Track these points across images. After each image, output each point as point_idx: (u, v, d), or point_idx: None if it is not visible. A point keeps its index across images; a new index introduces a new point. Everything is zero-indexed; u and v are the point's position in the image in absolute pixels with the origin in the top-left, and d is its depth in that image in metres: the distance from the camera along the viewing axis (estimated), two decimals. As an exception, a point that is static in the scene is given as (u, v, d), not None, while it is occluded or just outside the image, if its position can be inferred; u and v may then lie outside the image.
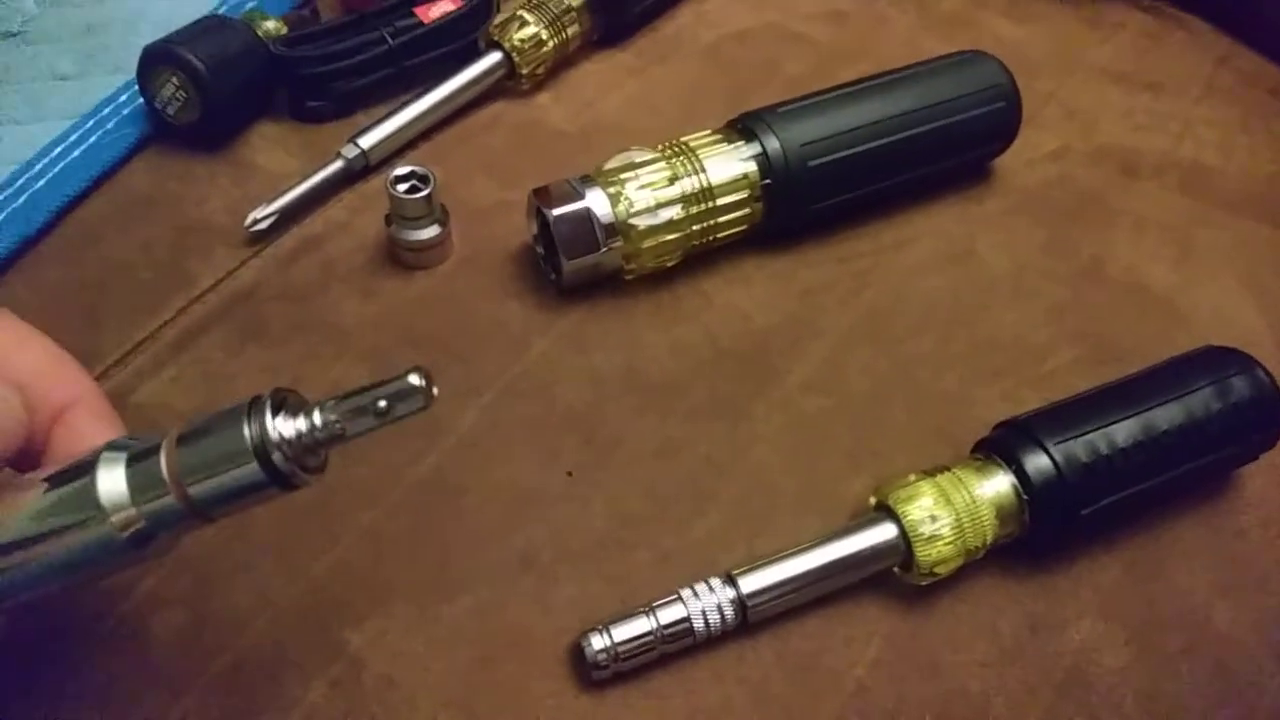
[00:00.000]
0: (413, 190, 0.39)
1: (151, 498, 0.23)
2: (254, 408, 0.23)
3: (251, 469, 0.23)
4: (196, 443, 0.24)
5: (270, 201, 0.41)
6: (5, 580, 0.24)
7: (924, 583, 0.33)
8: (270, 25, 0.46)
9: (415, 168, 0.39)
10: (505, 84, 0.47)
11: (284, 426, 0.23)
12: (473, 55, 0.46)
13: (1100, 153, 0.48)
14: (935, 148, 0.42)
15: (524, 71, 0.46)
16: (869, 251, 0.43)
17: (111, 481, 0.23)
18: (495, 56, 0.46)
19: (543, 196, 0.38)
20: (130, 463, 0.24)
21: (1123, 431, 0.34)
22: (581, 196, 0.38)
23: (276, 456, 0.23)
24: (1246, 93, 0.53)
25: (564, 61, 0.49)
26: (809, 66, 0.50)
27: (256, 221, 0.41)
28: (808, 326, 0.40)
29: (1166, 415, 0.34)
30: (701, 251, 0.41)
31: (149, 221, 0.42)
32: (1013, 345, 0.41)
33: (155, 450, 0.24)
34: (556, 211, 0.38)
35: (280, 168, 0.44)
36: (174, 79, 0.42)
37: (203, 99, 0.42)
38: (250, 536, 0.34)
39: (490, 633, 0.33)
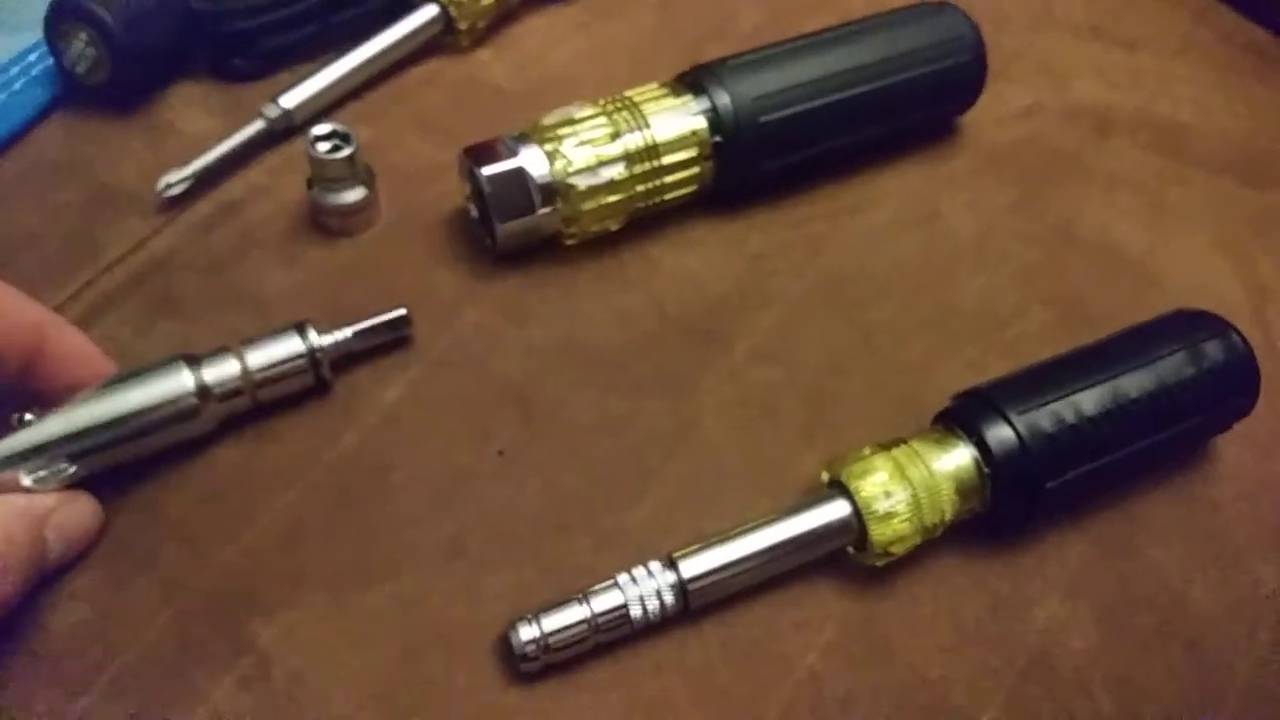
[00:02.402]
0: (334, 150, 0.36)
1: (228, 392, 0.32)
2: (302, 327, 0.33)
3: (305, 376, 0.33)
4: (261, 349, 0.33)
5: (185, 165, 0.38)
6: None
7: (879, 563, 0.31)
8: (190, -23, 0.43)
9: (336, 126, 0.36)
10: (443, 40, 0.44)
11: (323, 339, 0.33)
12: (407, 9, 0.43)
13: (1073, 110, 0.46)
14: (896, 103, 0.40)
15: (462, 26, 0.44)
16: (826, 214, 0.41)
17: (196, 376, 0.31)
18: (431, 10, 0.43)
19: (474, 155, 0.36)
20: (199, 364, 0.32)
21: (1090, 399, 0.32)
22: (515, 154, 0.35)
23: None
24: (1223, 50, 0.50)
25: (506, 16, 0.46)
26: (766, 18, 0.47)
27: (170, 186, 0.38)
28: (760, 293, 0.38)
29: (1136, 382, 0.32)
30: (647, 215, 0.38)
31: (58, 188, 0.39)
32: (979, 311, 0.39)
33: (227, 354, 0.32)
34: (488, 170, 0.35)
35: (200, 130, 0.41)
36: (82, 35, 0.39)
37: (113, 57, 0.39)
38: (158, 525, 0.32)
39: (413, 624, 0.30)
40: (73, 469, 0.30)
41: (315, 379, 0.33)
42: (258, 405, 0.33)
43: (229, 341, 0.33)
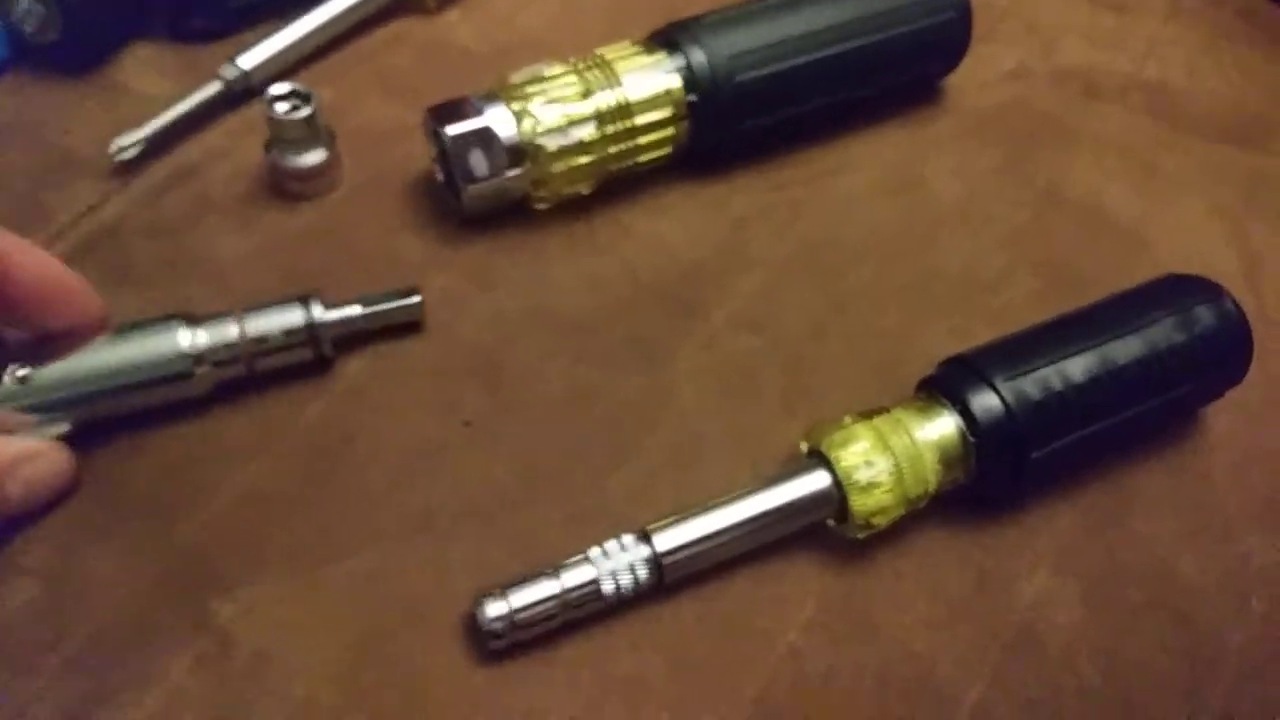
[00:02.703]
0: (293, 110, 0.35)
1: (224, 359, 0.31)
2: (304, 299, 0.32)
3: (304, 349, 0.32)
4: (261, 316, 0.31)
5: (139, 127, 0.36)
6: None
7: (861, 535, 0.30)
8: (146, -66, 0.41)
9: (295, 85, 0.35)
10: (409, 1, 0.43)
11: (328, 315, 0.32)
12: (373, -33, 0.42)
13: (1060, 73, 0.45)
14: (878, 62, 0.39)
15: (430, -15, 0.42)
16: (806, 177, 0.39)
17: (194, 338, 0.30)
18: (397, -32, 0.42)
19: (439, 115, 0.34)
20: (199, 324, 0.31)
21: (1078, 366, 0.31)
22: (482, 114, 0.34)
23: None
24: (1213, 13, 0.49)
25: (475, -26, 0.44)
26: (745, -21, 0.46)
27: (123, 149, 0.36)
28: (738, 259, 0.37)
29: (1126, 348, 0.31)
30: (621, 177, 0.37)
31: (6, 152, 0.38)
32: (963, 277, 0.38)
33: (227, 320, 0.31)
34: (452, 130, 0.34)
35: (156, 92, 0.39)
36: (28, -10, 0.37)
37: (62, 13, 0.38)
38: (115, 497, 0.30)
39: (378, 601, 0.29)
40: (66, 426, 0.30)
41: (316, 355, 0.32)
42: (255, 374, 0.32)
43: (232, 306, 0.32)
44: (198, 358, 0.30)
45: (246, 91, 0.39)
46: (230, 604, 0.29)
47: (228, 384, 0.31)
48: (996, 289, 0.37)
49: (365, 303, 0.33)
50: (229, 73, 0.38)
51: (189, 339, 0.30)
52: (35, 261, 0.29)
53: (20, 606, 0.29)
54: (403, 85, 0.40)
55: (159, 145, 0.37)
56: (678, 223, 0.37)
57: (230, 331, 0.31)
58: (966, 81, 0.43)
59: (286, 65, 0.40)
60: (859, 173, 0.40)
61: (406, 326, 0.34)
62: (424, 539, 0.30)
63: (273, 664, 0.28)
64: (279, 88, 0.35)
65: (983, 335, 0.33)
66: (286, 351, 0.32)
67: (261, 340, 0.31)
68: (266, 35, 0.40)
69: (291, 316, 0.31)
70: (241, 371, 0.31)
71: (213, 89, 0.38)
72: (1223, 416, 0.35)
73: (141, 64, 0.41)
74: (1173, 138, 0.43)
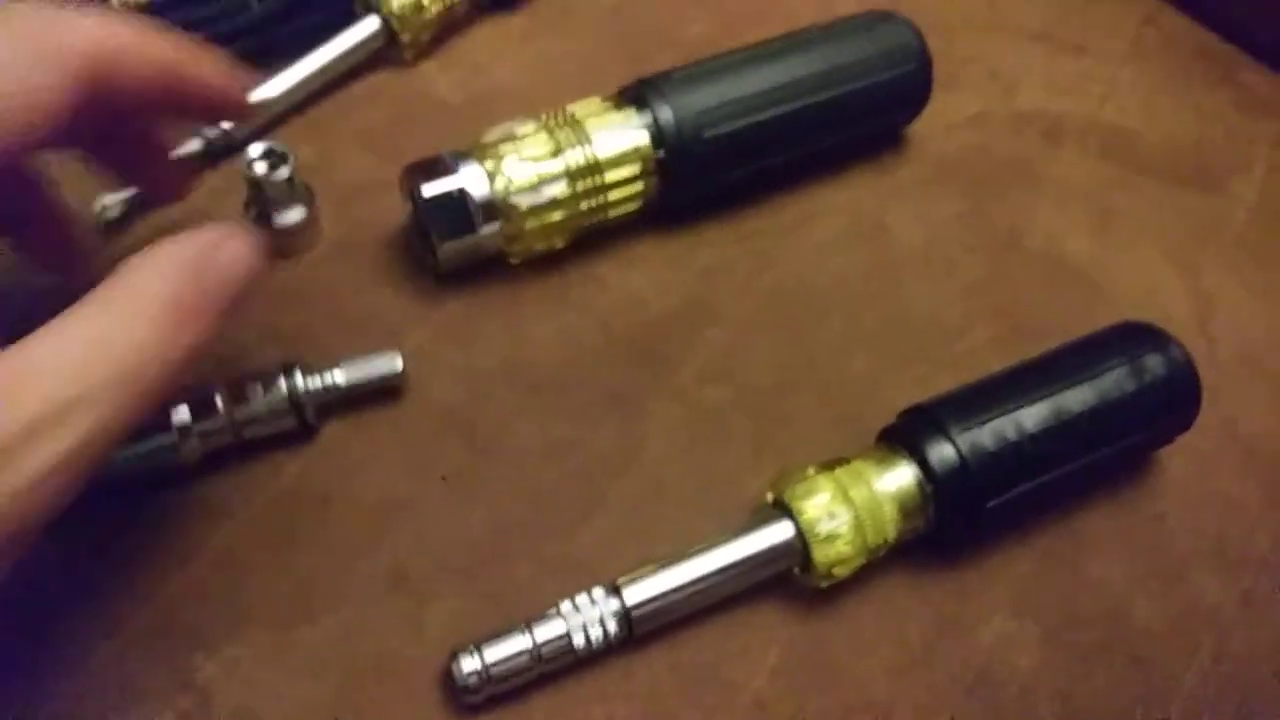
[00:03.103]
0: (272, 171, 0.36)
1: (209, 430, 0.32)
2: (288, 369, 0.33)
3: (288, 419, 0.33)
4: (245, 390, 0.32)
5: (121, 188, 0.37)
6: None
7: (824, 585, 0.31)
8: (126, -8, 0.42)
9: (273, 145, 0.36)
10: (386, 53, 0.44)
11: (311, 384, 0.33)
12: (348, 22, 0.43)
13: (1021, 117, 0.46)
14: (841, 114, 0.40)
15: (405, 39, 0.43)
16: (773, 229, 0.40)
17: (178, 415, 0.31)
18: (372, 23, 0.43)
19: (414, 173, 0.35)
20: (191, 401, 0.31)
21: (1032, 416, 0.32)
22: (456, 172, 0.35)
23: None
24: (1172, 55, 0.51)
25: (450, 28, 0.45)
26: (715, 28, 0.47)
27: (105, 209, 0.37)
28: (707, 311, 0.38)
29: (1078, 397, 0.32)
30: (593, 232, 0.38)
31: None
32: (926, 325, 0.39)
33: (211, 394, 0.32)
34: (428, 190, 0.35)
35: (137, 148, 0.40)
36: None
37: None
38: (97, 556, 0.31)
39: (355, 657, 0.30)
40: None
41: (299, 423, 0.33)
42: (240, 442, 0.33)
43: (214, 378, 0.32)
44: (183, 430, 0.31)
45: (227, 149, 0.40)
46: (211, 662, 0.30)
47: (211, 452, 0.32)
48: (958, 336, 0.38)
49: (348, 371, 0.33)
50: (209, 131, 0.39)
51: (176, 415, 0.31)
52: (216, 59, 0.30)
53: (3, 662, 0.29)
54: (380, 139, 0.41)
55: (141, 205, 0.38)
56: (648, 275, 0.38)
57: (217, 408, 0.31)
58: (929, 128, 0.44)
59: (266, 122, 0.41)
60: (824, 222, 0.41)
61: (386, 390, 0.34)
62: (400, 596, 0.31)
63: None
64: (257, 148, 0.36)
65: (945, 383, 0.34)
66: (271, 421, 0.32)
67: (248, 420, 0.32)
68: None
69: (276, 389, 0.32)
70: (228, 440, 0.32)
71: (194, 146, 0.39)
72: (1176, 459, 0.36)
73: (123, 120, 0.41)
74: (1129, 180, 0.44)
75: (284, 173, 0.35)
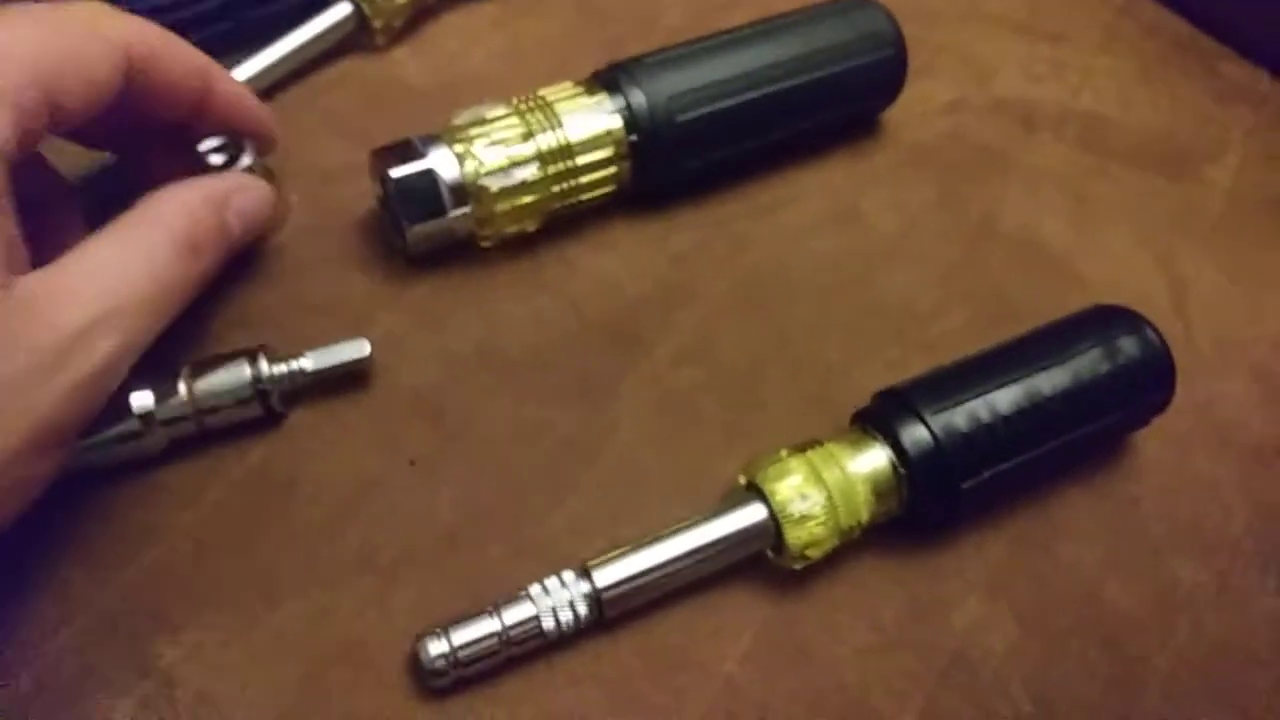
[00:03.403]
0: (229, 163, 0.34)
1: (173, 418, 0.31)
2: (252, 355, 0.32)
3: (253, 406, 0.32)
4: (208, 376, 0.32)
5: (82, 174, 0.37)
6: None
7: (797, 566, 0.31)
8: (93, -24, 0.41)
9: (225, 137, 0.35)
10: (357, 38, 0.43)
11: (276, 370, 0.33)
12: (320, 7, 0.42)
13: (997, 105, 0.46)
14: (815, 100, 0.40)
15: (377, 25, 0.43)
16: (747, 213, 0.40)
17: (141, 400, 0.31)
18: (344, 8, 0.42)
19: (383, 157, 0.35)
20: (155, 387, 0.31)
21: (1005, 398, 0.31)
22: (425, 155, 0.35)
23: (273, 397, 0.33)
24: (1147, 43, 0.51)
25: (423, 13, 0.45)
26: (689, 15, 0.47)
27: (69, 192, 0.36)
28: (680, 294, 0.38)
29: (1051, 380, 0.32)
30: (565, 215, 0.38)
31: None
32: (900, 309, 0.38)
33: (175, 380, 0.31)
34: (396, 172, 0.34)
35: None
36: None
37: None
38: (58, 541, 0.30)
39: (321, 642, 0.30)
40: None
41: (265, 410, 0.32)
42: (204, 430, 0.32)
43: (178, 365, 0.32)
44: (146, 417, 0.31)
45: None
46: (174, 647, 0.29)
47: (176, 438, 0.32)
48: (932, 320, 0.38)
49: (315, 358, 0.33)
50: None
51: (139, 401, 0.31)
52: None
53: (-40, 650, 0.29)
54: (349, 124, 0.41)
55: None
56: (621, 258, 0.38)
57: (180, 394, 0.31)
58: (905, 114, 0.44)
59: (234, 106, 0.40)
60: (798, 207, 0.41)
61: (355, 377, 0.34)
62: (367, 579, 0.31)
63: (216, 705, 0.28)
64: (210, 141, 0.35)
65: (918, 367, 0.34)
66: (236, 408, 0.32)
67: (212, 407, 0.32)
68: (214, 76, 0.40)
69: (240, 376, 0.32)
70: (192, 429, 0.32)
71: (159, 132, 0.38)
72: (1151, 442, 0.36)
73: (90, 105, 0.41)
74: (1104, 167, 0.44)
75: (244, 161, 0.34)
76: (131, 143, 0.35)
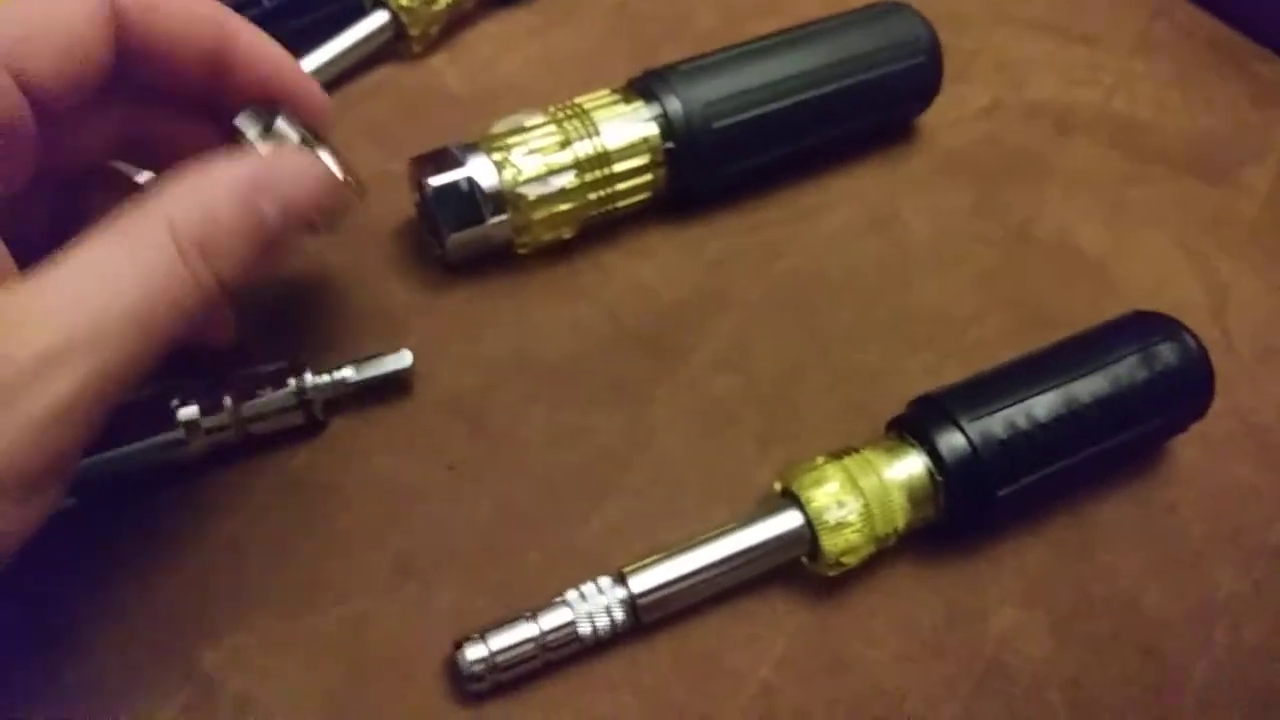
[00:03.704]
0: (266, 134, 0.30)
1: (216, 427, 0.31)
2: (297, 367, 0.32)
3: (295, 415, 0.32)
4: (253, 388, 0.32)
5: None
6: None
7: (833, 574, 0.31)
8: (136, -13, 0.42)
9: (260, 107, 0.30)
10: (395, 46, 0.44)
11: (319, 381, 0.32)
12: (358, 15, 0.43)
13: (1032, 108, 0.46)
14: (850, 106, 0.40)
15: (414, 33, 0.43)
16: (783, 219, 0.40)
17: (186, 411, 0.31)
18: (382, 17, 0.43)
19: (421, 165, 0.35)
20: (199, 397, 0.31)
21: (1043, 405, 0.31)
22: (463, 164, 0.35)
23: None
24: (1182, 45, 0.50)
25: (459, 21, 0.45)
26: (722, 20, 0.47)
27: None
28: (717, 300, 0.38)
29: (1089, 386, 0.32)
30: (601, 222, 0.38)
31: None
32: (937, 315, 0.38)
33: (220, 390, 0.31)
34: (435, 181, 0.35)
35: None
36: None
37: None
38: (102, 549, 0.31)
39: (362, 645, 0.30)
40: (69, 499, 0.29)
41: (307, 418, 0.33)
42: (249, 438, 0.32)
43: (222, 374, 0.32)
44: (191, 426, 0.31)
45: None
46: (216, 651, 0.30)
47: (219, 445, 0.32)
48: (968, 326, 0.38)
49: (358, 369, 0.33)
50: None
51: (183, 413, 0.31)
52: (251, 39, 0.28)
53: (8, 654, 0.29)
54: (388, 132, 0.41)
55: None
56: (658, 265, 0.38)
57: (225, 405, 0.31)
58: (940, 120, 0.44)
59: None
60: (834, 213, 0.41)
61: (400, 386, 0.34)
62: (407, 584, 0.31)
63: (258, 708, 0.29)
64: (246, 115, 0.29)
65: (955, 372, 0.34)
66: (279, 417, 0.32)
67: (256, 415, 0.32)
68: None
69: (284, 388, 0.32)
70: (234, 437, 0.32)
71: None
72: (1189, 449, 0.36)
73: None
74: (1141, 171, 0.44)
75: (284, 130, 0.29)
76: (148, 137, 0.29)
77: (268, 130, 0.29)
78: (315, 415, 0.33)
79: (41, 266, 0.23)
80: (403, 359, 0.34)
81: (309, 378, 0.32)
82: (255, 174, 0.25)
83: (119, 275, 0.23)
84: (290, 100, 0.29)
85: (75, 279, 0.22)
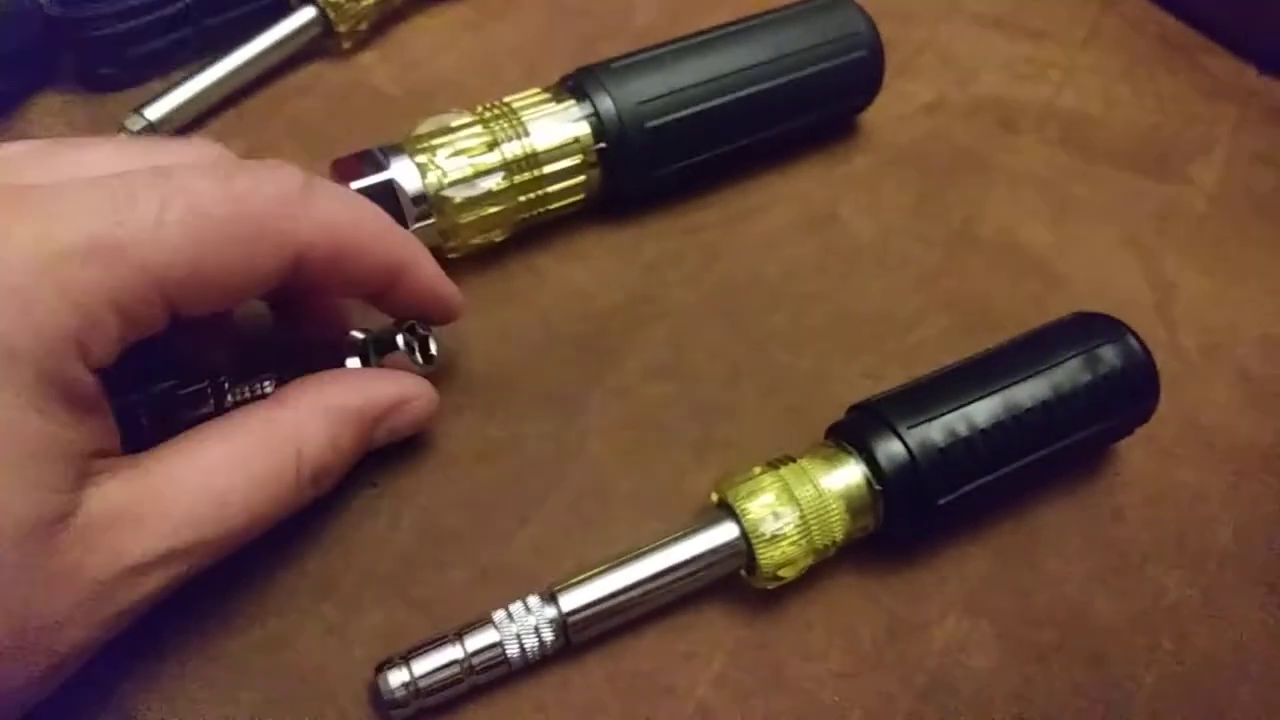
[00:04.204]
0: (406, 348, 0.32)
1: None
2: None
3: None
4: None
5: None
6: None
7: (771, 587, 0.30)
8: (50, -18, 0.40)
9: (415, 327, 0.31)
10: (323, 43, 0.42)
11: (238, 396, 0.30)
12: (283, 11, 0.41)
13: (977, 104, 0.45)
14: (789, 103, 0.39)
15: (342, 29, 0.42)
16: (719, 220, 0.39)
17: None
18: (308, 12, 0.41)
19: (342, 168, 0.34)
20: None
21: (983, 410, 0.31)
22: (386, 167, 0.34)
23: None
24: (1132, 39, 0.50)
25: (391, 16, 0.44)
26: (662, 16, 0.46)
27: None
28: (652, 305, 0.37)
29: (1031, 390, 0.31)
30: (534, 225, 0.37)
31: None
32: (878, 317, 0.38)
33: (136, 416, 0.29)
34: (357, 184, 0.33)
35: (62, 144, 0.39)
36: (-75, 44, 0.37)
37: (-37, 66, 0.37)
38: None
39: (280, 670, 0.29)
40: None
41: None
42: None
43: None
44: None
45: (153, 144, 0.38)
46: (130, 680, 0.28)
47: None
48: (910, 328, 0.37)
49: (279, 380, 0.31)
50: (134, 124, 0.38)
51: None
52: (426, 275, 0.29)
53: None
54: (315, 132, 0.40)
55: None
56: (591, 268, 0.37)
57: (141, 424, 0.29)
58: (883, 116, 0.43)
59: (195, 114, 0.39)
60: (773, 213, 0.40)
61: None
62: (327, 605, 0.30)
63: (172, 739, 0.27)
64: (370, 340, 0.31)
65: (896, 376, 0.33)
66: None
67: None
68: (173, 84, 0.39)
69: (204, 405, 0.30)
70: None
71: (117, 142, 0.37)
72: (1135, 452, 0.35)
73: (47, 114, 0.40)
74: (1087, 168, 0.43)
75: (429, 349, 0.32)
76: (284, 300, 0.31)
77: (388, 350, 0.31)
78: None
79: (150, 465, 0.24)
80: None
81: (229, 398, 0.31)
82: (390, 402, 0.29)
83: (235, 490, 0.25)
84: (430, 318, 0.31)
85: (190, 489, 0.24)
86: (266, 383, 0.30)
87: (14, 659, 0.22)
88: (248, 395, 0.30)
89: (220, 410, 0.30)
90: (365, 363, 0.31)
